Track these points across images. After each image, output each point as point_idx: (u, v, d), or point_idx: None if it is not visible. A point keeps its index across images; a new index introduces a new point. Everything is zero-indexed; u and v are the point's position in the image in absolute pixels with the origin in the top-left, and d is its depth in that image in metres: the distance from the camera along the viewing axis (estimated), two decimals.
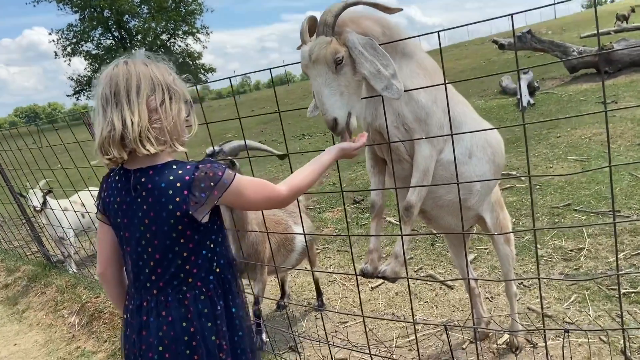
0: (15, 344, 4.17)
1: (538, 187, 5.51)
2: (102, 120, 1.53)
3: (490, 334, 3.13)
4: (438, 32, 1.96)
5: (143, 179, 1.54)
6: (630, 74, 10.59)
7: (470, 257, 4.13)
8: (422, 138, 2.16)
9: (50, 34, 54.98)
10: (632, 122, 7.16)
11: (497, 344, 3.02)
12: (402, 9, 2.25)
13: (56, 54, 53.72)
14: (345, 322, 3.67)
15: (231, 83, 2.66)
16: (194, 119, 1.75)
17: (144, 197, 1.54)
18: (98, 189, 1.73)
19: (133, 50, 1.76)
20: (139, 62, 1.61)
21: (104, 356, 3.70)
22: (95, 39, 54.73)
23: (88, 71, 57.47)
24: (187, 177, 1.52)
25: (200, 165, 1.55)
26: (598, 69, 11.28)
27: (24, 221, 5.69)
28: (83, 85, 57.87)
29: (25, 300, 5.03)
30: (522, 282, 3.70)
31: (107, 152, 1.53)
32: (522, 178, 5.85)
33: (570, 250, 3.99)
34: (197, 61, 59.03)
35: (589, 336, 2.79)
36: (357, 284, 2.33)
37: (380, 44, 1.96)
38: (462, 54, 25.50)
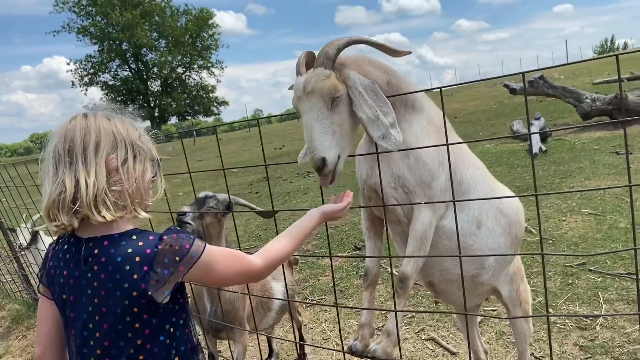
0: None
1: (550, 242, 5.22)
2: (51, 181, 1.34)
3: None
4: (440, 88, 1.77)
5: (96, 251, 1.33)
6: None
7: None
8: (422, 203, 1.94)
9: (68, 63, 56.33)
10: None
11: None
12: (410, 52, 2.07)
13: (73, 83, 54.84)
14: None
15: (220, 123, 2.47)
16: (161, 180, 1.55)
17: (95, 272, 1.32)
18: None
19: (94, 104, 1.58)
20: (101, 115, 1.43)
21: None
22: (113, 70, 55.88)
23: (104, 101, 58.21)
24: (148, 251, 1.30)
25: (165, 237, 1.33)
26: (612, 117, 11.08)
27: (12, 258, 5.50)
28: None
29: (4, 343, 4.78)
30: (532, 353, 3.40)
31: (55, 217, 1.32)
32: (533, 230, 5.57)
33: (585, 318, 3.68)
34: (210, 94, 59.88)
35: None
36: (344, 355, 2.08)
37: (387, 97, 1.79)
38: (474, 95, 25.51)
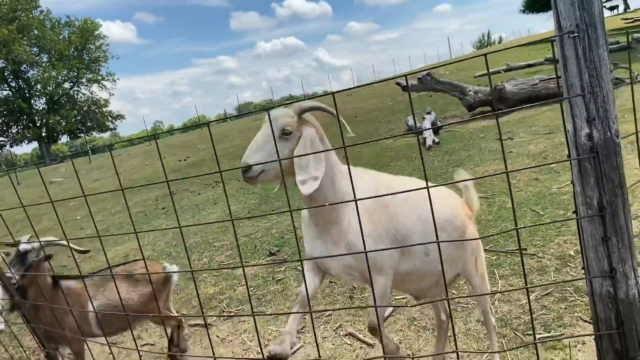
0: None
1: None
2: None
3: None
4: (333, 93, 1.86)
5: None
6: (521, 111, 11.43)
7: (389, 310, 4.03)
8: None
9: None
10: (528, 157, 7.62)
11: None
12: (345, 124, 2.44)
13: None
14: None
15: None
16: None
17: None
18: None
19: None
20: None
21: None
22: None
23: None
24: None
25: None
26: (492, 107, 12.08)
27: None
28: None
29: None
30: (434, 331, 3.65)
31: None
32: None
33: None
34: (103, 108, 56.75)
35: None
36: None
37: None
38: (370, 94, 26.52)
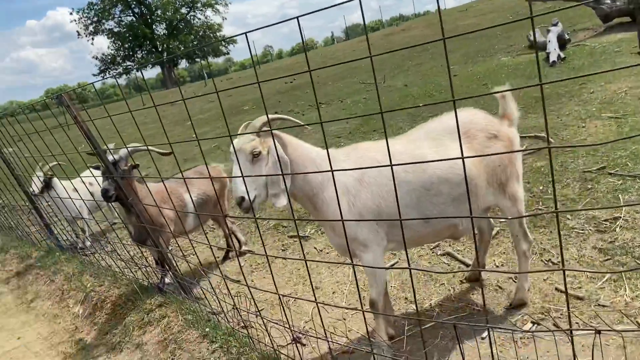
0: (18, 338, 4.07)
1: (568, 149, 5.05)
2: None
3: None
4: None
5: None
6: None
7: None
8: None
9: (71, 13, 55.41)
10: None
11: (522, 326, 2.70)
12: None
13: (79, 34, 54.14)
14: (355, 309, 3.41)
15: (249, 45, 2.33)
16: None
17: None
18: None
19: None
20: None
21: (104, 350, 3.54)
22: (116, 16, 54.72)
23: (111, 49, 57.75)
24: None
25: None
26: (634, 18, 10.43)
27: (31, 209, 5.59)
28: (107, 63, 58.27)
29: (34, 288, 4.95)
30: (550, 259, 3.35)
31: None
32: (552, 139, 5.38)
33: (605, 220, 3.59)
34: (217, 33, 58.55)
35: (623, 338, 2.42)
36: (355, 277, 2.04)
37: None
38: (488, 7, 24.32)
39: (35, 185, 5.18)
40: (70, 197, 4.59)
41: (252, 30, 1.85)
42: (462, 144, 1.95)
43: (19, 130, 4.51)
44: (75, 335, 3.89)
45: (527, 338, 2.67)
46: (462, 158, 1.64)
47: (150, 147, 3.41)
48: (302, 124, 2.17)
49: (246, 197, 2.23)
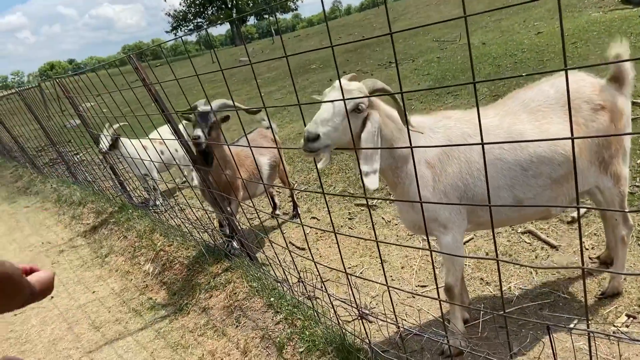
0: (93, 292, 4.23)
1: None
2: None
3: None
4: None
5: None
6: None
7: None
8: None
9: None
10: None
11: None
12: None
13: None
14: (425, 286, 3.23)
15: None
16: None
17: None
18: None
19: None
20: None
21: (172, 310, 3.60)
22: None
23: (183, 6, 58.72)
24: None
25: None
26: None
27: (105, 165, 5.76)
28: (179, 20, 59.43)
29: (108, 243, 5.13)
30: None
31: None
32: None
33: None
34: None
35: None
36: (432, 257, 1.85)
37: None
38: None
39: (103, 144, 5.34)
40: (139, 157, 4.65)
41: None
42: (568, 118, 1.68)
43: (98, 85, 4.57)
44: (145, 293, 3.99)
45: (623, 333, 2.40)
46: (572, 138, 1.38)
47: (237, 104, 3.32)
48: (395, 94, 1.97)
49: (322, 137, 1.96)
